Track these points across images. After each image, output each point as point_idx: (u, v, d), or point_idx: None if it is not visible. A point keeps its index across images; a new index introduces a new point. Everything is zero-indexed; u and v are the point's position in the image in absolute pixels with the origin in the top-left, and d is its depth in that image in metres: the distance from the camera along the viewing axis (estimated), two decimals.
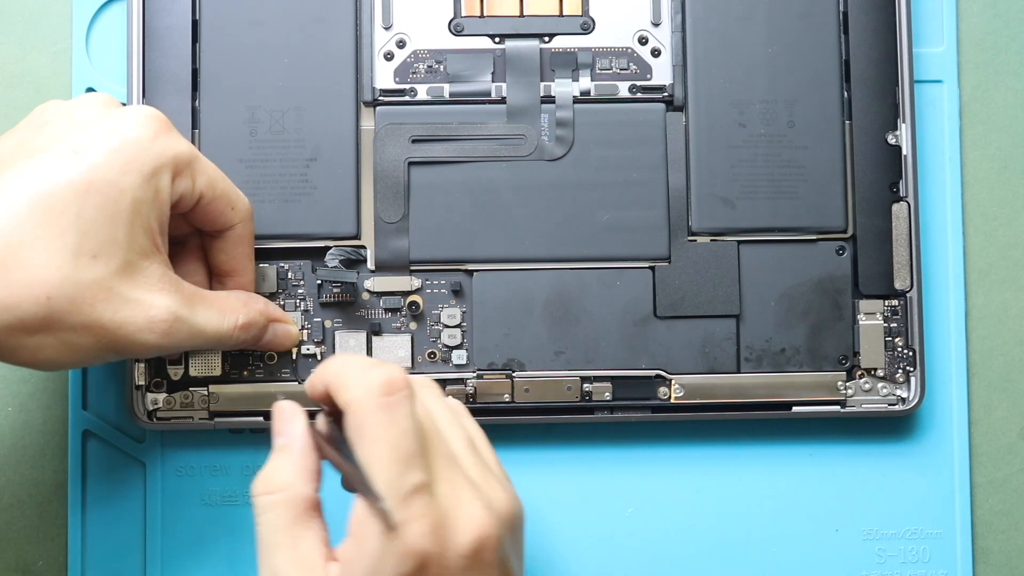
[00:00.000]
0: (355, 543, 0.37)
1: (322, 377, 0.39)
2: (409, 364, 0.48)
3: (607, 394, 0.48)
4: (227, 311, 0.43)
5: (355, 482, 0.37)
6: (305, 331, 0.47)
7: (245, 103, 0.48)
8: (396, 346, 0.48)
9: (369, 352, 0.48)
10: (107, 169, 0.40)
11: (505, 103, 0.48)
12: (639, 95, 0.49)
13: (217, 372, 0.47)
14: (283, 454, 0.39)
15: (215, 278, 0.46)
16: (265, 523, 0.38)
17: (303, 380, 0.47)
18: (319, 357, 0.47)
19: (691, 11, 0.49)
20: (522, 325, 0.48)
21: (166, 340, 0.41)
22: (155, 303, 0.41)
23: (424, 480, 0.36)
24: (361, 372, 0.37)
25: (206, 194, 0.43)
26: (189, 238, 0.45)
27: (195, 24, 0.48)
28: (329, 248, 0.48)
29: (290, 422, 0.39)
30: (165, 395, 0.47)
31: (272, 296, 0.48)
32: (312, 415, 0.40)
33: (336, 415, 0.39)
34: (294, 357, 0.47)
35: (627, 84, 0.49)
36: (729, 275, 0.48)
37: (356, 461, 0.37)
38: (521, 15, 0.49)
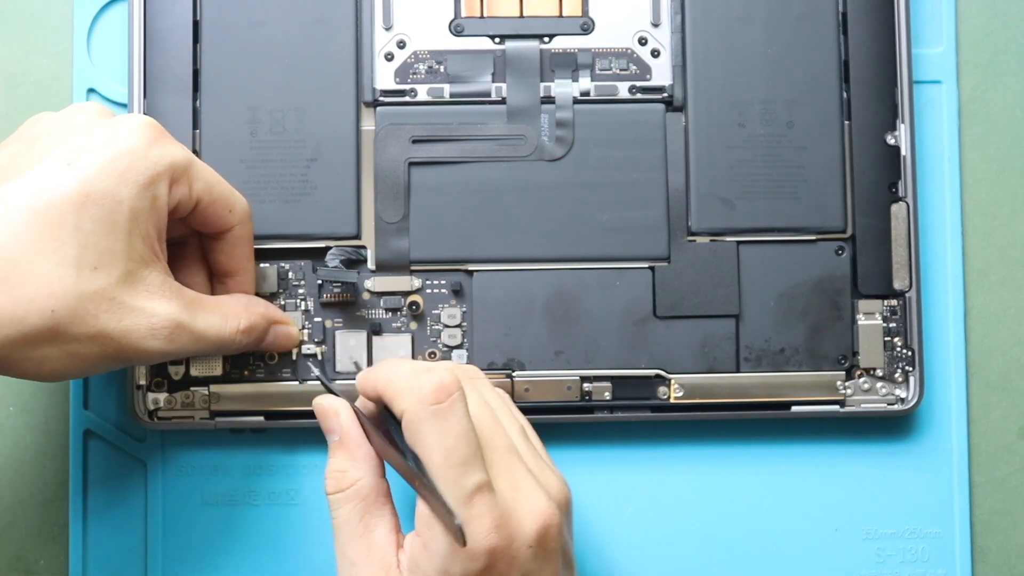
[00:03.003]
0: (422, 544, 0.38)
1: (372, 383, 0.40)
2: None
3: (607, 394, 0.48)
4: (229, 316, 0.43)
5: (420, 487, 0.38)
6: (306, 331, 0.48)
7: (246, 103, 0.48)
8: (396, 346, 0.48)
9: (369, 352, 0.48)
10: (103, 180, 0.39)
11: (505, 103, 0.48)
12: (639, 95, 0.49)
13: (218, 372, 0.47)
14: (341, 450, 0.41)
15: (215, 279, 0.46)
16: (339, 517, 0.40)
17: (303, 380, 0.47)
18: (319, 357, 0.47)
19: (691, 12, 0.49)
20: (522, 325, 0.48)
21: (169, 346, 0.41)
22: (157, 311, 0.41)
23: (483, 479, 0.38)
24: (412, 379, 0.38)
25: (203, 199, 0.43)
26: (188, 239, 0.45)
27: (196, 25, 0.48)
28: (329, 248, 0.48)
29: (336, 416, 0.41)
30: (166, 395, 0.47)
31: (273, 296, 0.48)
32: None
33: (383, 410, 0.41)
34: (294, 357, 0.47)
35: (627, 85, 0.49)
36: (728, 275, 0.48)
37: (417, 465, 0.38)
38: (521, 16, 0.49)
